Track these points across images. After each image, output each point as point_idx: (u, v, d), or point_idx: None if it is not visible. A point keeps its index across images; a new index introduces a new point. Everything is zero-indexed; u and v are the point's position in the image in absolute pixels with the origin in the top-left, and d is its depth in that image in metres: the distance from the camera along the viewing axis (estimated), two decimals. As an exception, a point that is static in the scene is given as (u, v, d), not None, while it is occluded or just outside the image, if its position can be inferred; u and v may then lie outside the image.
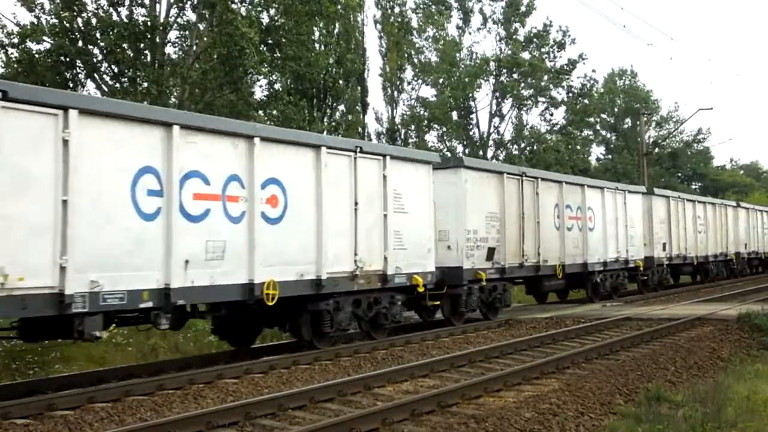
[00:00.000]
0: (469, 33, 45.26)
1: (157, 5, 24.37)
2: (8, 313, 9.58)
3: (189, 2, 25.34)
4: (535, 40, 43.70)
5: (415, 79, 44.47)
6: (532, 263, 19.96)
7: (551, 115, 45.94)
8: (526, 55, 43.50)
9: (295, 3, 25.82)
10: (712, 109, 62.14)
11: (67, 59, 23.47)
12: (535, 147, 44.83)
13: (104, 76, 24.62)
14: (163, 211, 11.00)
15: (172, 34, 25.96)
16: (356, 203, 14.32)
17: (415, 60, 44.36)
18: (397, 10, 43.18)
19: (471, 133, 44.73)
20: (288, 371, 11.82)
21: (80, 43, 23.45)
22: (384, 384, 10.53)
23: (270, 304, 12.36)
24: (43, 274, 9.51)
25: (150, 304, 10.77)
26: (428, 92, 45.48)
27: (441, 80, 43.18)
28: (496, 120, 44.60)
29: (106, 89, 24.13)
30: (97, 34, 23.60)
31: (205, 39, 25.33)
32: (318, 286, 13.38)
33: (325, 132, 30.17)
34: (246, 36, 23.08)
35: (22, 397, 9.87)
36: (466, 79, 42.55)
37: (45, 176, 9.63)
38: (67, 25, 23.09)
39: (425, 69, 43.89)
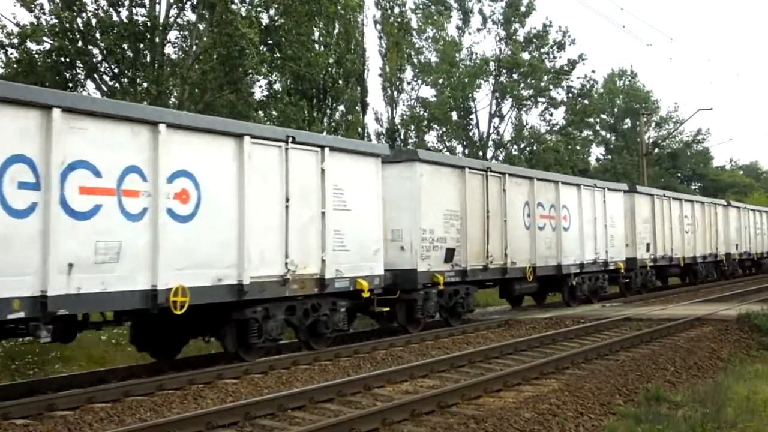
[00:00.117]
0: (469, 33, 45.22)
1: (157, 5, 24.38)
2: None
3: (189, 2, 25.33)
4: (534, 40, 43.65)
5: (415, 79, 44.44)
6: (498, 265, 18.66)
7: (551, 115, 45.93)
8: (525, 56, 43.47)
9: (295, 3, 25.81)
10: (711, 109, 62.38)
11: (67, 60, 23.47)
12: (534, 147, 44.81)
13: (104, 76, 24.63)
14: (40, 206, 9.59)
15: (172, 35, 25.98)
16: (288, 199, 12.95)
17: (415, 60, 44.33)
18: (396, 10, 43.16)
19: (471, 133, 44.70)
20: (288, 371, 11.83)
21: (80, 44, 23.44)
22: (384, 384, 10.54)
23: (178, 312, 10.94)
24: None
25: (22, 315, 9.35)
26: (428, 92, 45.55)
27: (441, 80, 43.14)
28: (496, 120, 44.55)
29: (105, 89, 24.14)
30: (97, 35, 23.60)
31: (204, 39, 25.32)
32: (240, 292, 11.97)
33: (324, 132, 30.15)
34: (246, 36, 23.07)
35: (21, 397, 9.88)
36: (466, 80, 42.51)
37: None
38: (67, 25, 23.09)
39: (425, 69, 43.85)
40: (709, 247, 33.14)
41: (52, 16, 23.22)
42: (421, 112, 43.77)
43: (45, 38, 22.90)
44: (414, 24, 44.25)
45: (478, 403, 9.33)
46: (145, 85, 23.66)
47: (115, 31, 23.09)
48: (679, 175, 73.34)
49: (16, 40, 22.92)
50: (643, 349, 13.74)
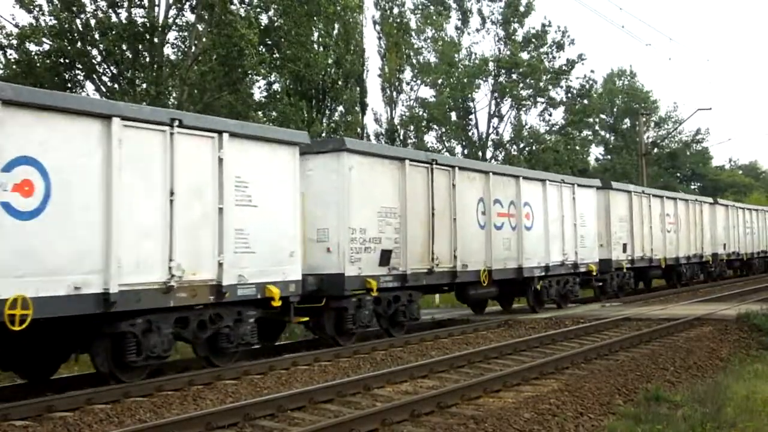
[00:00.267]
0: (468, 34, 45.28)
1: (156, 7, 24.38)
2: None
3: (188, 3, 25.34)
4: (533, 40, 43.70)
5: (414, 79, 44.46)
6: (446, 268, 16.82)
7: (550, 115, 45.97)
8: (524, 56, 43.50)
9: (294, 4, 25.81)
10: (710, 109, 62.47)
11: (66, 61, 23.48)
12: (534, 147, 44.83)
13: (103, 77, 24.65)
14: None
15: (171, 36, 25.97)
16: (172, 193, 11.03)
17: (414, 61, 44.36)
18: (396, 10, 43.19)
19: (470, 133, 44.73)
20: (287, 372, 11.83)
21: (79, 45, 23.45)
22: (383, 385, 10.53)
23: (16, 328, 9.09)
24: None
25: None
26: (427, 93, 45.51)
27: (440, 81, 43.17)
28: (495, 120, 44.59)
29: (105, 90, 24.15)
30: (96, 36, 23.61)
31: (203, 40, 25.33)
32: (106, 303, 10.08)
33: (324, 133, 30.16)
34: (245, 37, 23.08)
35: (21, 398, 9.86)
36: (465, 80, 42.53)
37: None
38: (66, 26, 23.10)
39: (424, 70, 43.87)
40: (694, 247, 31.45)
41: (51, 17, 23.23)
42: (420, 113, 43.79)
43: (44, 39, 22.91)
44: (413, 24, 44.31)
45: (477, 404, 9.33)
46: (144, 86, 23.67)
47: (114, 32, 23.10)
48: (678, 174, 73.40)
49: (15, 41, 22.94)
50: (642, 349, 13.75)
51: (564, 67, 44.19)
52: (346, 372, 11.94)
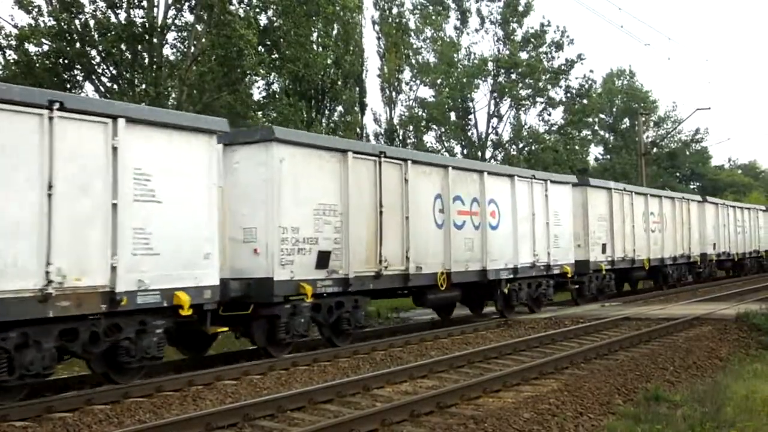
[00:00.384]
0: (467, 33, 45.31)
1: (155, 7, 24.40)
2: None
3: (187, 4, 25.36)
4: (532, 40, 43.72)
5: (413, 79, 44.52)
6: (396, 271, 15.32)
7: (549, 115, 46.00)
8: (524, 56, 43.53)
9: (293, 4, 25.83)
10: (709, 108, 62.19)
11: (65, 61, 23.49)
12: (533, 147, 44.86)
13: (102, 77, 24.68)
14: None
15: (170, 36, 26.00)
16: (51, 186, 9.59)
17: (413, 61, 44.39)
18: (395, 11, 43.23)
19: (469, 133, 44.74)
20: (287, 372, 11.83)
21: (78, 46, 23.47)
22: (383, 385, 10.54)
23: None
24: None
25: None
26: (426, 93, 45.54)
27: (439, 81, 43.20)
28: (494, 120, 44.61)
29: (104, 91, 24.17)
30: (95, 36, 23.62)
31: (203, 41, 25.35)
32: None
33: (323, 134, 30.18)
34: (244, 37, 23.09)
35: (21, 399, 9.86)
36: (464, 80, 42.56)
37: None
38: (65, 27, 23.11)
39: (423, 70, 43.91)
40: (681, 247, 29.89)
41: (50, 18, 23.24)
42: (420, 113, 43.82)
43: (43, 40, 22.93)
44: (412, 24, 44.36)
45: (477, 404, 9.33)
46: (144, 86, 23.68)
47: (113, 33, 23.13)
48: (677, 174, 73.44)
49: (14, 42, 22.96)
50: (642, 348, 13.75)
51: (563, 67, 44.22)
52: (345, 372, 11.94)
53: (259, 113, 28.24)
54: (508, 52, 43.70)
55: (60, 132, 9.78)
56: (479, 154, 42.77)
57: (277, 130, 13.51)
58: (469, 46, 45.19)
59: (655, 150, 59.13)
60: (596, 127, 63.94)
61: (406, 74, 44.32)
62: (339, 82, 34.44)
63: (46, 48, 23.20)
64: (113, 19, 23.92)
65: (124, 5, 24.01)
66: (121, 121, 10.44)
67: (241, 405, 8.95)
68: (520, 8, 43.71)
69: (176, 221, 11.14)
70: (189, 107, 23.90)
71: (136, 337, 10.66)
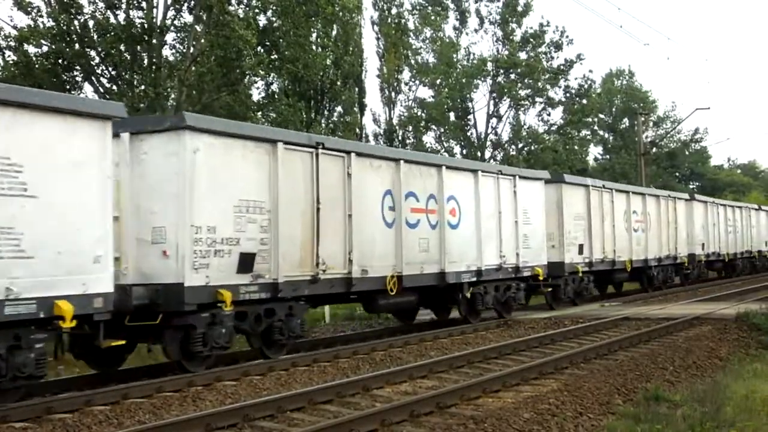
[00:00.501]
0: (466, 34, 45.33)
1: (154, 8, 24.39)
2: None
3: (186, 4, 25.36)
4: (531, 40, 43.75)
5: (413, 80, 44.54)
6: (337, 275, 13.85)
7: (549, 115, 46.03)
8: (523, 56, 43.55)
9: (292, 4, 25.84)
10: (709, 108, 62.11)
11: (65, 62, 23.50)
12: (532, 147, 44.89)
13: (101, 78, 24.67)
14: None
15: (169, 37, 25.99)
16: None
17: (413, 61, 44.42)
18: (394, 11, 43.26)
19: (468, 133, 44.76)
20: (286, 373, 11.83)
21: (77, 46, 23.47)
22: (383, 385, 10.54)
23: None
24: None
25: None
26: (426, 93, 45.59)
27: (438, 81, 43.23)
28: (494, 121, 44.64)
29: (103, 91, 24.17)
30: (95, 37, 23.63)
31: (202, 41, 25.35)
32: None
33: (322, 133, 30.20)
34: (243, 38, 23.10)
35: (20, 399, 9.86)
36: (464, 80, 42.59)
37: None
38: (64, 27, 23.12)
39: (422, 70, 43.94)
40: (667, 247, 28.51)
41: (49, 19, 23.25)
42: (419, 113, 43.85)
43: (42, 41, 22.93)
44: (411, 25, 44.39)
45: (477, 404, 9.33)
46: (143, 87, 23.68)
47: (112, 34, 23.13)
48: (677, 174, 73.49)
49: (13, 43, 22.96)
50: (642, 348, 13.76)
51: (562, 67, 44.24)
52: (345, 372, 11.94)
53: (259, 114, 28.24)
54: (507, 52, 43.73)
55: None
56: (478, 154, 42.79)
57: (190, 117, 11.93)
58: (468, 47, 45.27)
59: (654, 150, 59.15)
60: (595, 127, 64.00)
61: (406, 74, 44.38)
62: (338, 83, 34.43)
63: (45, 49, 23.21)
64: (112, 19, 23.92)
65: (124, 6, 24.01)
66: None
67: (241, 405, 8.95)
68: (519, 8, 43.74)
69: (56, 220, 9.64)
70: (188, 108, 23.90)
71: (7, 354, 9.10)
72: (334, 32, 34.60)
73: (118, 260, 11.06)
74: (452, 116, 44.31)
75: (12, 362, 9.16)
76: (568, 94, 45.45)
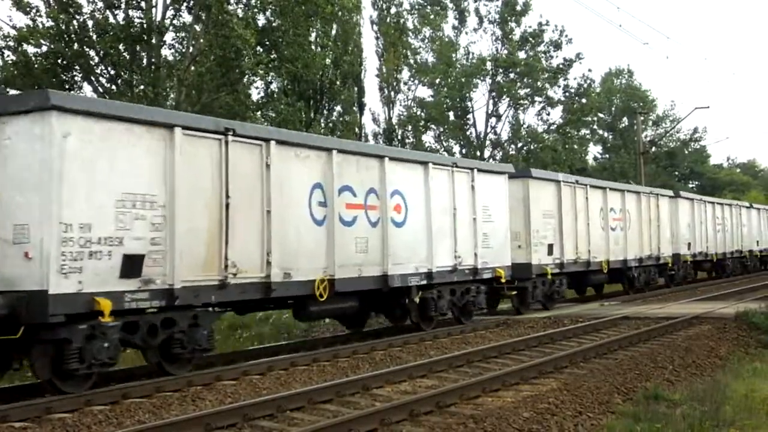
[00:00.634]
0: (465, 33, 45.44)
1: (153, 8, 24.40)
2: None
3: (185, 4, 25.36)
4: (531, 39, 43.79)
5: (412, 79, 44.60)
6: (252, 279, 12.12)
7: (548, 114, 46.08)
8: (522, 55, 43.58)
9: (291, 4, 25.85)
10: (708, 107, 62.42)
11: (64, 62, 23.51)
12: (532, 147, 44.93)
13: (101, 78, 24.68)
14: None
15: (169, 36, 26.02)
16: None
17: (412, 60, 44.46)
18: (393, 10, 43.30)
19: (468, 133, 44.81)
20: (286, 372, 11.82)
21: (76, 46, 23.48)
22: (382, 384, 10.53)
23: None
24: None
25: None
26: (425, 93, 45.67)
27: (437, 81, 43.27)
28: (493, 120, 44.73)
29: (102, 91, 24.18)
30: (94, 37, 23.64)
31: (201, 41, 25.36)
32: None
33: (322, 133, 30.24)
34: (242, 37, 23.11)
35: (20, 400, 9.86)
36: (463, 80, 42.63)
37: None
38: (63, 27, 23.12)
39: (422, 69, 43.98)
40: (649, 247, 26.80)
41: (48, 19, 23.26)
42: (418, 113, 43.89)
43: (42, 41, 22.94)
44: (410, 24, 44.45)
45: (476, 403, 9.33)
46: (142, 87, 23.69)
47: (111, 34, 23.13)
48: (676, 173, 73.55)
49: (12, 43, 22.97)
50: (641, 347, 13.75)
51: (561, 67, 44.27)
52: (345, 372, 11.93)
53: (258, 113, 28.26)
54: (506, 51, 43.77)
55: None
56: (478, 153, 42.83)
57: (57, 95, 10.23)
58: (467, 46, 45.36)
59: (653, 149, 59.21)
60: (595, 127, 64.06)
61: (405, 74, 44.47)
62: (337, 82, 34.49)
63: (44, 49, 23.21)
64: (111, 19, 23.93)
65: (123, 6, 24.03)
66: None
67: (241, 405, 8.94)
68: (518, 7, 43.80)
69: None
70: (187, 107, 23.91)
71: None
72: (334, 32, 34.65)
73: None
74: (451, 116, 44.36)
75: None
76: (567, 94, 45.53)
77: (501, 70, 43.31)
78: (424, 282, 15.88)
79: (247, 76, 26.14)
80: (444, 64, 42.73)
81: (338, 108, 37.15)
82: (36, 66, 22.96)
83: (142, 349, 11.25)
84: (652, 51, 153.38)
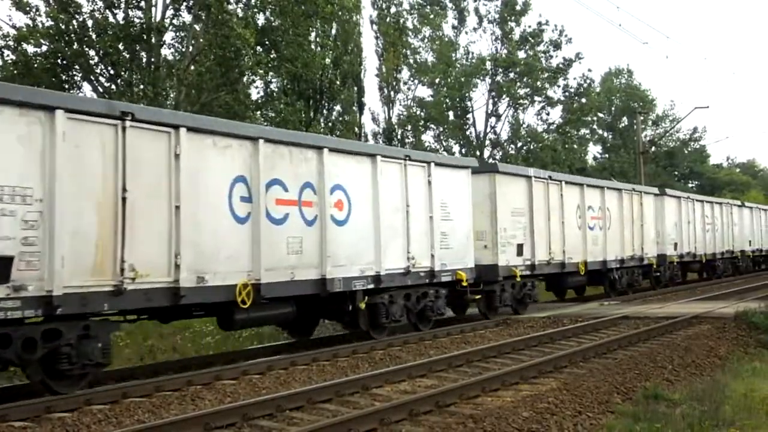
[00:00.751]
0: (465, 33, 45.50)
1: (153, 8, 24.41)
2: None
3: (184, 4, 25.36)
4: (530, 39, 43.81)
5: (412, 79, 44.62)
6: (155, 284, 10.66)
7: (548, 114, 46.11)
8: (522, 55, 43.60)
9: (291, 3, 25.86)
10: (708, 107, 62.45)
11: (64, 62, 23.51)
12: (531, 146, 44.94)
13: (100, 78, 24.68)
14: None
15: (168, 36, 26.04)
16: None
17: (412, 60, 44.47)
18: (393, 10, 43.31)
19: (467, 132, 44.82)
20: (286, 372, 11.82)
21: (76, 46, 23.49)
22: (382, 384, 10.53)
23: None
24: None
25: None
26: (425, 92, 45.71)
27: (437, 80, 43.28)
28: (493, 120, 44.76)
29: (102, 91, 24.17)
30: (93, 37, 23.65)
31: (201, 40, 25.36)
32: None
33: (322, 132, 30.25)
34: (242, 37, 23.11)
35: (20, 399, 9.85)
36: (462, 79, 42.65)
37: None
38: (63, 27, 23.13)
39: (421, 69, 43.99)
40: (631, 247, 25.50)
41: (48, 19, 23.26)
42: (418, 112, 43.90)
43: (42, 41, 22.95)
44: (410, 24, 44.48)
45: (476, 403, 9.33)
46: (142, 86, 23.70)
47: (111, 33, 23.14)
48: (676, 173, 73.57)
49: (12, 43, 22.97)
50: (641, 347, 13.75)
51: (561, 66, 44.29)
52: (344, 372, 11.93)
53: (258, 113, 28.27)
54: (506, 51, 43.78)
55: None
56: (477, 153, 42.83)
57: None
58: (467, 46, 45.41)
59: (653, 149, 59.21)
60: (594, 126, 64.12)
61: (405, 74, 44.50)
62: (337, 82, 34.48)
63: (44, 48, 23.22)
64: (111, 19, 23.93)
65: (122, 5, 24.03)
66: None
67: (240, 405, 8.94)
68: (518, 7, 43.82)
69: None
70: (187, 107, 23.92)
71: None
72: (333, 31, 34.64)
73: None
74: (451, 115, 44.38)
75: None
76: (567, 93, 45.56)
77: (500, 70, 43.33)
78: (372, 286, 14.51)
79: (246, 75, 26.16)
80: (444, 63, 42.74)
81: (338, 108, 37.16)
82: (36, 66, 22.96)
83: (21, 366, 9.80)
84: (651, 50, 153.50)
